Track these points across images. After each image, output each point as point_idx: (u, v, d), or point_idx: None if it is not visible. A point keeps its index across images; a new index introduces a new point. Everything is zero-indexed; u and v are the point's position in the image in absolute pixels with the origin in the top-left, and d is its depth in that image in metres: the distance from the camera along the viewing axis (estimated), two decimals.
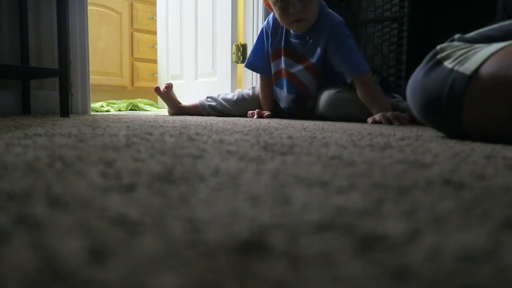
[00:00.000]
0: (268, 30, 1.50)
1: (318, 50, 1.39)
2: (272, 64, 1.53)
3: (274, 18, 1.46)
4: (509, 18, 0.67)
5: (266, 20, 1.53)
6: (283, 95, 1.54)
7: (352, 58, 1.32)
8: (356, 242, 0.17)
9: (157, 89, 1.70)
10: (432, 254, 0.16)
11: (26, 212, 0.20)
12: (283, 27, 1.45)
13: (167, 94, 1.69)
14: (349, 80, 1.31)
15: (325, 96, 1.36)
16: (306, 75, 1.45)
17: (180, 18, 2.53)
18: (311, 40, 1.40)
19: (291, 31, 1.43)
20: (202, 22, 2.34)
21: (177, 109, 1.71)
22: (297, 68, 1.46)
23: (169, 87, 1.68)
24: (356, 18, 2.08)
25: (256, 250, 0.16)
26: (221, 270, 0.14)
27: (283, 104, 1.55)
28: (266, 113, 1.52)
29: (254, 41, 1.63)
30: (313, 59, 1.41)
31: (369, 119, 1.19)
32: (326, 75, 1.42)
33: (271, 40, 1.50)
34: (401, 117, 1.14)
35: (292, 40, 1.45)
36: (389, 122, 1.13)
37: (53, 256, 0.15)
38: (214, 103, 1.62)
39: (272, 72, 1.54)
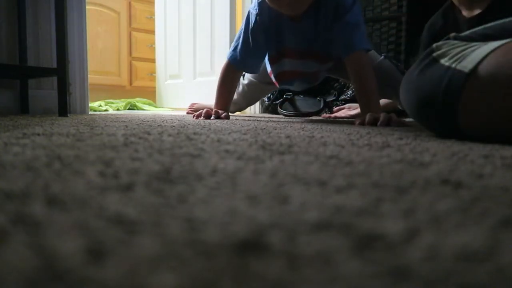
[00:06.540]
0: (261, 20, 1.21)
1: (321, 35, 1.20)
2: (273, 67, 1.34)
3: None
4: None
5: (254, 4, 1.23)
6: (293, 86, 1.43)
7: (346, 35, 1.13)
8: (354, 241, 0.17)
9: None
10: (430, 253, 0.16)
11: (24, 211, 0.20)
12: (276, 17, 1.19)
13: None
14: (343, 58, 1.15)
15: None
16: (321, 67, 1.31)
17: (178, 17, 2.53)
18: (310, 26, 1.19)
19: (285, 19, 1.19)
20: (200, 22, 2.34)
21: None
22: (308, 66, 1.29)
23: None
24: None
25: (255, 249, 0.16)
26: (219, 269, 0.14)
27: (292, 88, 1.47)
28: (224, 113, 1.25)
29: None
30: (319, 48, 1.24)
31: (357, 121, 1.06)
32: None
33: (265, 36, 1.23)
34: (393, 121, 1.00)
35: (289, 33, 1.22)
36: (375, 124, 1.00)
37: (51, 256, 0.15)
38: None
39: (274, 74, 1.36)
